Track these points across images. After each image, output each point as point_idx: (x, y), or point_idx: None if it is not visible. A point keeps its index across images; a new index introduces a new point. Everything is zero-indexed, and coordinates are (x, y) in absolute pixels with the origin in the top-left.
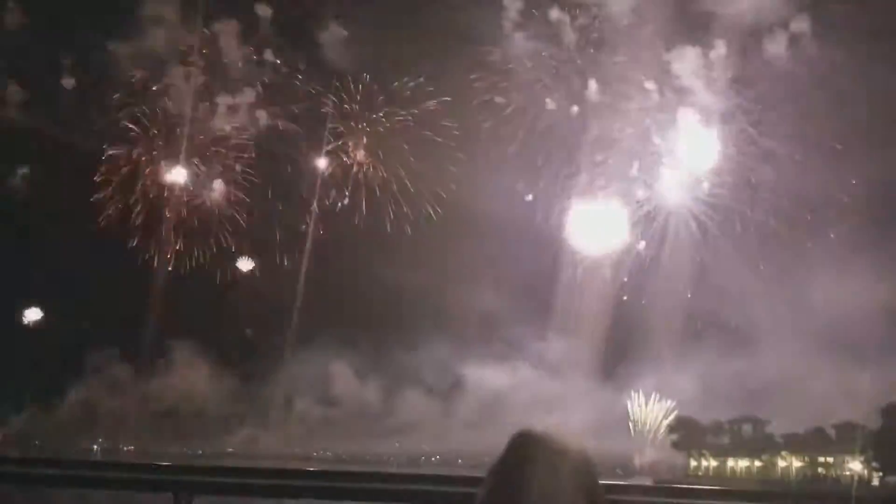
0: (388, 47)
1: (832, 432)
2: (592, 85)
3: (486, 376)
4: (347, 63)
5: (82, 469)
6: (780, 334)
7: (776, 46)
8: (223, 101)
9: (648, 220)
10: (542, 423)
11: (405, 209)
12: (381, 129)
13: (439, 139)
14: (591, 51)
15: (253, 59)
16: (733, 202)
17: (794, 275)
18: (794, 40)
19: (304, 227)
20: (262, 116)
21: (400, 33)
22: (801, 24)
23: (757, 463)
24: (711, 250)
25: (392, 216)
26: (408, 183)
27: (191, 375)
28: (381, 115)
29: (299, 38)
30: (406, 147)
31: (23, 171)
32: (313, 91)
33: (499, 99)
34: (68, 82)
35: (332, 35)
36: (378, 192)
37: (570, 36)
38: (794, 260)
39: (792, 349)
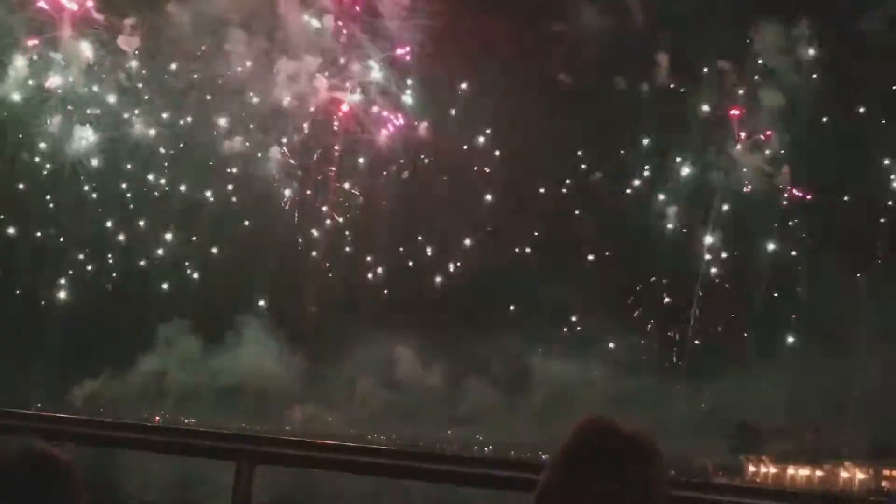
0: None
1: None
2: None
3: (554, 369)
4: None
5: (147, 433)
6: (859, 341)
7: None
8: None
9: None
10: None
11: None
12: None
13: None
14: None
15: None
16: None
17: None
18: None
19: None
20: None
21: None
22: None
23: (818, 472)
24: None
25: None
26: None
27: (256, 352)
28: None
29: None
30: None
31: None
32: None
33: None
34: None
35: None
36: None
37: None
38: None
39: (868, 360)
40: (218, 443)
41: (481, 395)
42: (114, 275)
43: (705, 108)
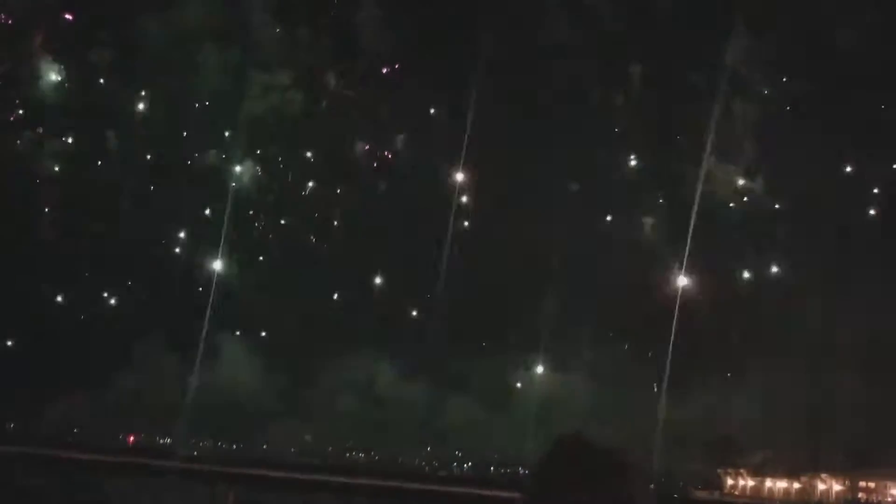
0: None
1: (875, 457)
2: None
3: (533, 386)
4: None
5: (122, 456)
6: (835, 354)
7: None
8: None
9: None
10: (589, 431)
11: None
12: None
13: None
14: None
15: None
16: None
17: (873, 304)
18: None
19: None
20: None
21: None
22: None
23: (796, 484)
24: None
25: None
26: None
27: (233, 369)
28: None
29: None
30: None
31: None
32: None
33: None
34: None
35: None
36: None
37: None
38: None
39: (848, 374)
40: (193, 465)
41: (460, 412)
42: (88, 291)
43: (681, 117)
